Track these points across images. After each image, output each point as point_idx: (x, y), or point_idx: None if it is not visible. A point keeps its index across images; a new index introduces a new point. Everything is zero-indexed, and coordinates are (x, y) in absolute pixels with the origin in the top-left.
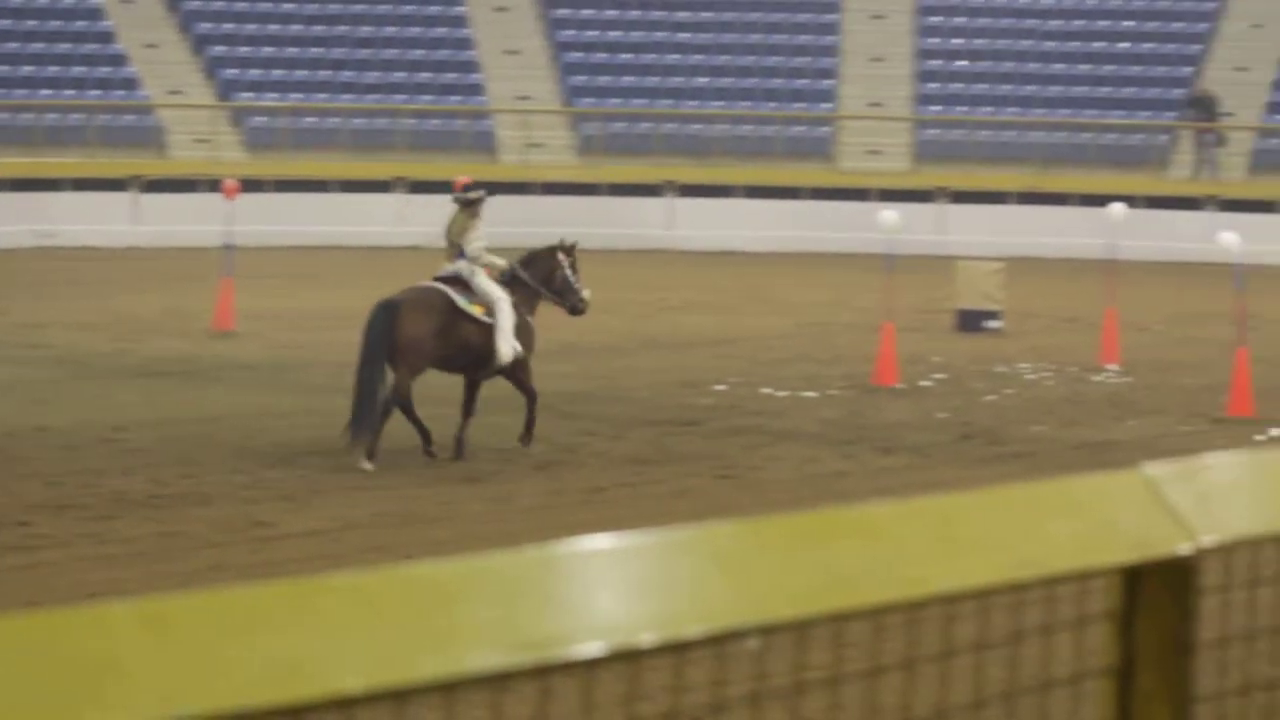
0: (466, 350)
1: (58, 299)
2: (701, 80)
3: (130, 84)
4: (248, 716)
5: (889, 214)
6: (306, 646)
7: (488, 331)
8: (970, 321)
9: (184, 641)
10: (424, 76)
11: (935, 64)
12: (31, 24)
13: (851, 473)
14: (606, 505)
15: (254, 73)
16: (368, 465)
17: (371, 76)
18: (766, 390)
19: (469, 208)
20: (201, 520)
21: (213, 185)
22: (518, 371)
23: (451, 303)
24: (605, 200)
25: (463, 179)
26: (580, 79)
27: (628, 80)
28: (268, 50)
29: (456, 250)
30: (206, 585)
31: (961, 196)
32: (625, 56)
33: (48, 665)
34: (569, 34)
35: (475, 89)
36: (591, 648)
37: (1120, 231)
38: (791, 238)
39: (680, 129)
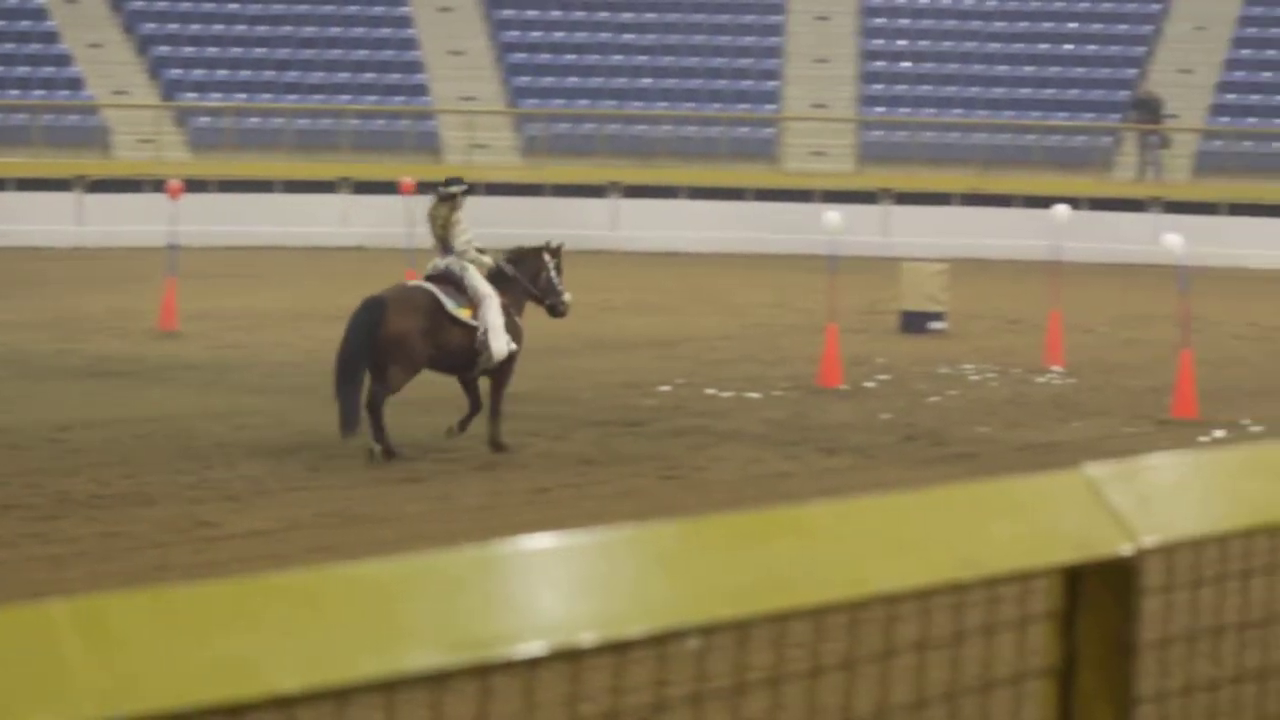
0: (451, 353)
1: (1, 299)
2: (646, 81)
3: (74, 84)
4: (187, 716)
5: (833, 215)
6: (246, 646)
7: (472, 334)
8: (914, 323)
9: (124, 641)
10: (368, 77)
11: (879, 65)
12: None
13: (795, 473)
14: (550, 506)
15: (198, 73)
16: (377, 448)
17: (316, 77)
18: (711, 391)
19: (448, 201)
20: (145, 520)
21: (157, 185)
22: (500, 372)
23: (439, 304)
24: (549, 201)
25: (407, 180)
26: (524, 80)
27: (572, 81)
28: (212, 50)
29: (444, 244)
30: (150, 585)
31: (905, 198)
32: (569, 57)
33: None
34: (513, 35)
35: (419, 90)
36: (532, 647)
37: (1064, 233)
38: (736, 239)
39: (624, 130)
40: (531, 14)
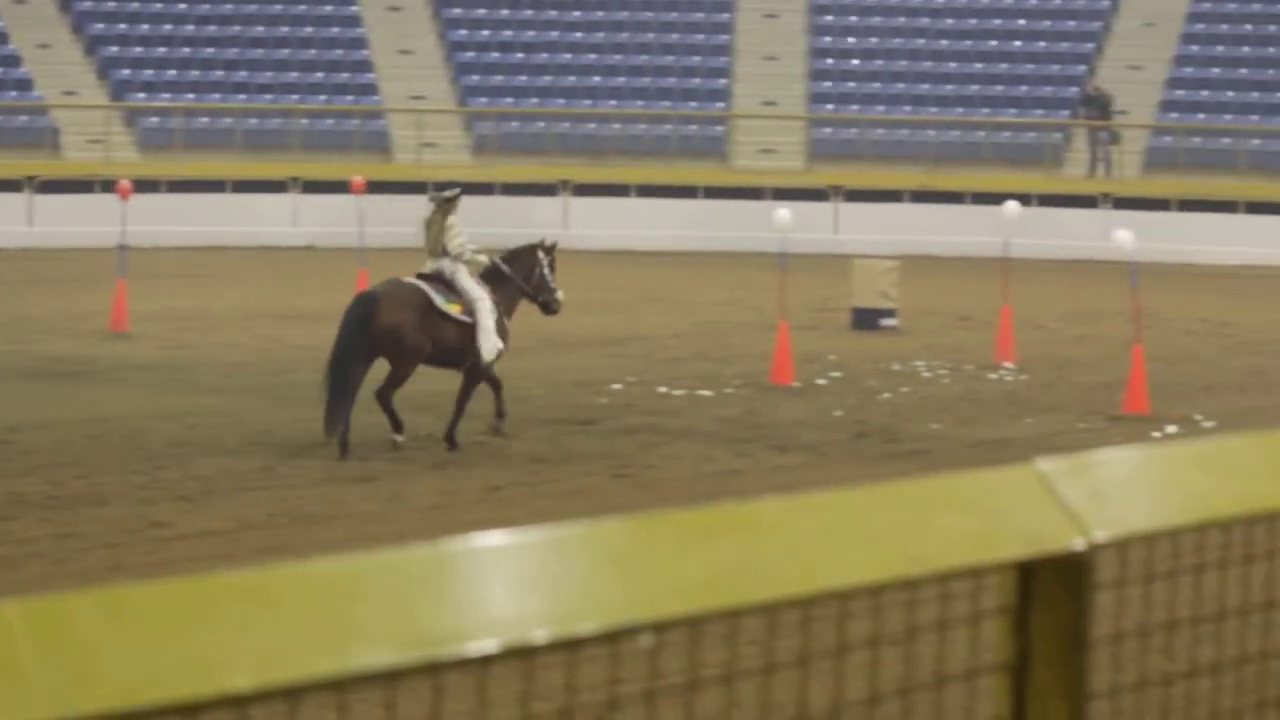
0: (445, 348)
1: None
2: (595, 79)
3: (23, 85)
4: (141, 715)
5: (783, 213)
6: (199, 645)
7: (465, 330)
8: (866, 320)
9: (77, 641)
10: (317, 76)
11: (828, 63)
12: None
13: (747, 471)
14: (502, 504)
15: (147, 73)
16: (399, 438)
17: (265, 76)
18: (662, 389)
19: (444, 206)
20: (98, 521)
21: (107, 186)
22: (476, 372)
23: (428, 300)
24: (499, 200)
25: (357, 179)
26: (474, 78)
27: (521, 80)
28: (161, 51)
29: (438, 249)
30: (103, 585)
31: (855, 195)
32: (519, 56)
33: None
34: (462, 33)
35: (369, 89)
36: (485, 645)
37: (1015, 229)
38: (686, 237)
39: (574, 128)
40: (480, 13)
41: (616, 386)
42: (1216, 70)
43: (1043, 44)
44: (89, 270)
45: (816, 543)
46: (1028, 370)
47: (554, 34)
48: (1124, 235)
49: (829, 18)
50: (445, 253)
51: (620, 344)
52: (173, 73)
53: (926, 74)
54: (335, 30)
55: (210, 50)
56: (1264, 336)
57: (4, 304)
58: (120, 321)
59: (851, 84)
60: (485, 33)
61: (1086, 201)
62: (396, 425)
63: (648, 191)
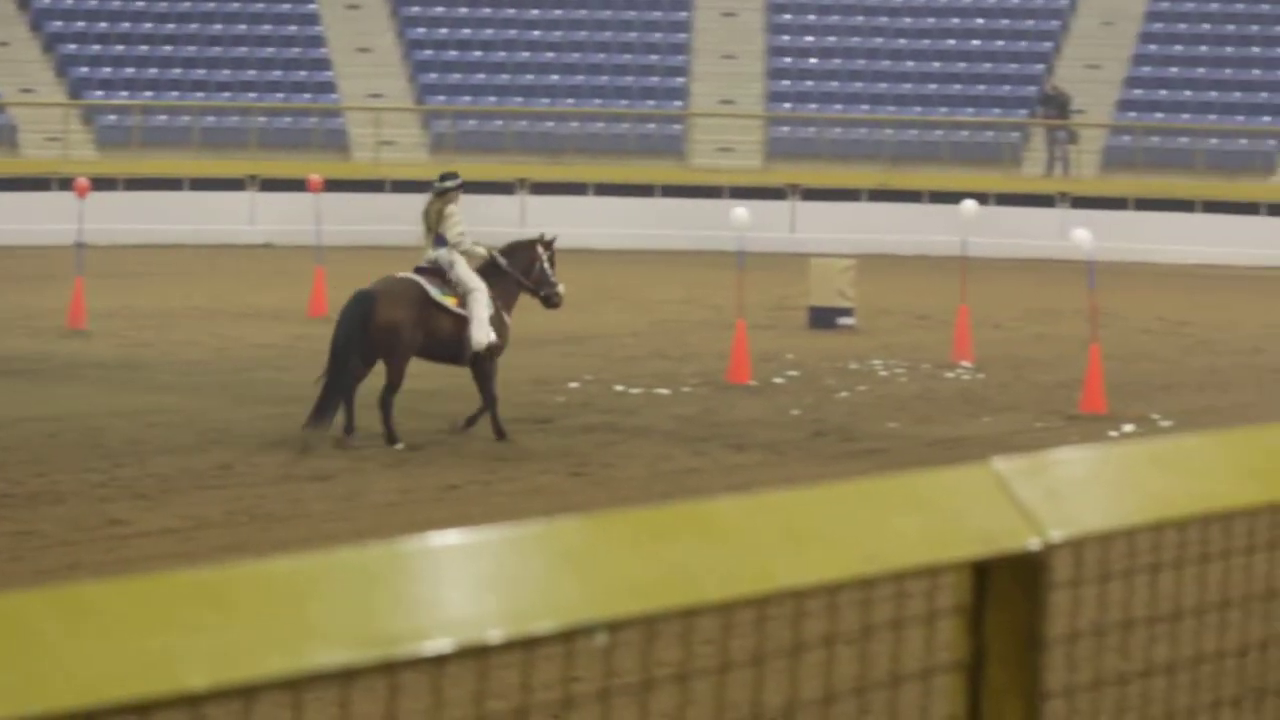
0: (441, 341)
1: None
2: (553, 78)
3: None
4: (95, 714)
5: (740, 211)
6: (154, 644)
7: (461, 322)
8: (823, 319)
9: (32, 640)
10: (275, 74)
11: (786, 61)
12: None
13: (704, 470)
14: (459, 503)
15: (105, 71)
16: (399, 445)
17: (223, 74)
18: (620, 388)
19: (443, 196)
20: (55, 519)
21: (64, 184)
22: (486, 364)
23: (425, 294)
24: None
25: (315, 177)
26: (431, 76)
27: (479, 78)
28: (119, 48)
29: (436, 238)
30: (60, 583)
31: (813, 194)
32: (476, 54)
33: None
34: (420, 32)
35: (326, 87)
36: (440, 644)
37: (972, 228)
38: (644, 235)
39: (532, 126)
40: (438, 11)
41: (574, 385)
42: (1174, 70)
43: (1001, 43)
44: (46, 268)
45: (772, 542)
46: (985, 369)
47: (512, 32)
48: (1081, 234)
49: (787, 16)
50: (443, 241)
51: (577, 342)
52: (130, 70)
53: (884, 73)
54: (293, 28)
55: (168, 48)
56: (1221, 336)
57: None
58: (78, 319)
59: (809, 83)
60: (443, 31)
61: (1044, 201)
62: (391, 436)
63: (605, 190)
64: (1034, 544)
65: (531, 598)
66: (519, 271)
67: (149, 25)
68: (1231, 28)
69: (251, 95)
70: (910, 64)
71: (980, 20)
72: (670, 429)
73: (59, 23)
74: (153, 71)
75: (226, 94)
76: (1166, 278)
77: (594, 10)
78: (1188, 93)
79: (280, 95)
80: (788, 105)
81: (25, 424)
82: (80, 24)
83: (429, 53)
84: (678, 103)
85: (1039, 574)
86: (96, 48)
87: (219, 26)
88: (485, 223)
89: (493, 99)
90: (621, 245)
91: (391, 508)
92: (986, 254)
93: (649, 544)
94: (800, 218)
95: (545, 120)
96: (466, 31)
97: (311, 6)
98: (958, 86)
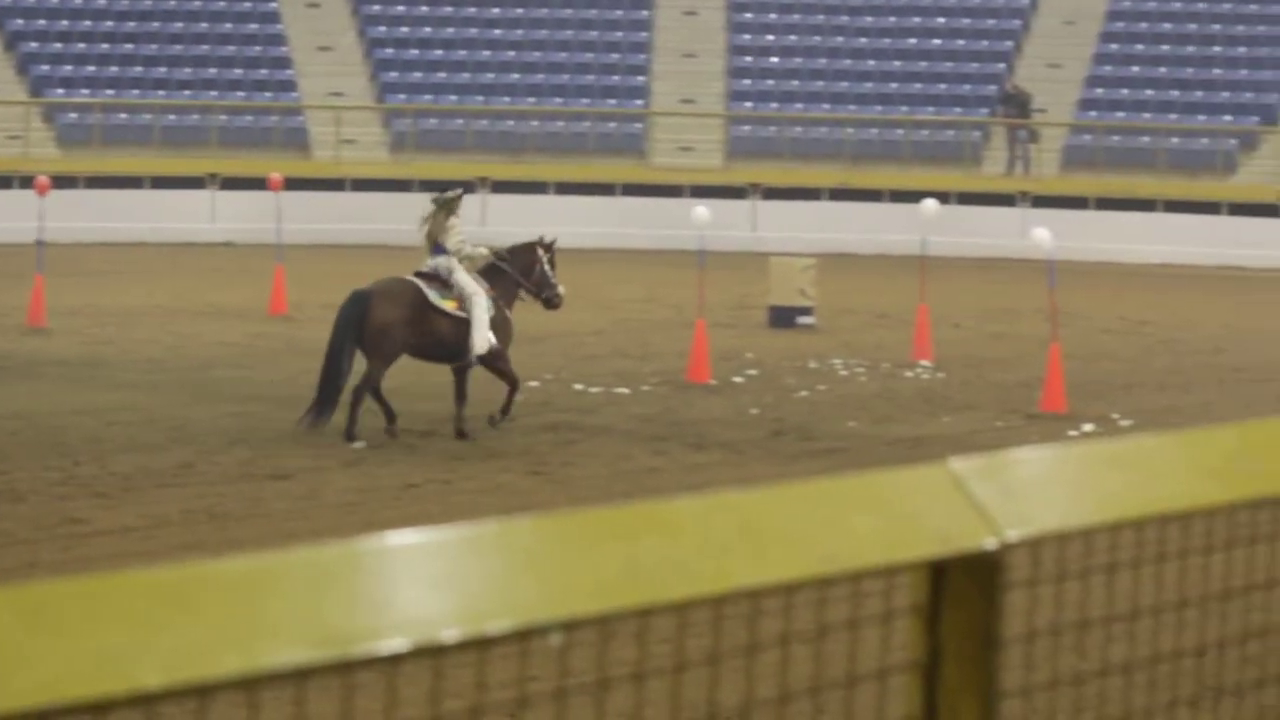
0: (438, 342)
1: None
2: (514, 76)
3: None
4: (50, 713)
5: (701, 210)
6: (110, 643)
7: (460, 325)
8: (783, 318)
9: None
10: (236, 73)
11: (747, 60)
12: None
13: (664, 469)
14: (417, 501)
15: (66, 69)
16: (360, 444)
17: (184, 73)
18: (579, 387)
19: (446, 207)
20: (14, 517)
21: (25, 182)
22: (496, 362)
23: (423, 296)
24: (418, 196)
25: (275, 175)
26: (392, 75)
27: (440, 76)
28: (80, 47)
29: (435, 246)
30: (17, 582)
31: (774, 193)
32: (437, 53)
33: None
34: (381, 30)
35: (287, 85)
36: (396, 643)
37: (933, 228)
38: (604, 234)
39: (493, 125)
40: (399, 9)
41: (534, 384)
42: (1136, 69)
43: (962, 42)
44: (7, 266)
45: (729, 541)
46: (945, 368)
47: (473, 31)
48: (1042, 233)
49: (748, 15)
50: (441, 250)
51: (537, 341)
52: (91, 69)
53: (845, 72)
54: (254, 27)
55: (129, 46)
56: (1182, 335)
57: None
58: (38, 317)
59: (770, 82)
60: (404, 29)
61: (1005, 200)
62: (351, 433)
63: (566, 189)
64: (990, 544)
65: (488, 597)
66: (519, 273)
67: (110, 23)
68: (1193, 27)
69: (212, 94)
70: (871, 63)
71: (941, 19)
72: (630, 428)
73: (20, 21)
74: (114, 70)
75: (187, 92)
76: (1127, 277)
77: (555, 9)
78: (1149, 92)
79: (241, 94)
80: (749, 104)
81: None
82: (41, 22)
83: (390, 51)
84: (639, 101)
85: (995, 574)
86: (58, 46)
87: (180, 25)
88: None
89: (454, 98)
90: (582, 244)
91: (350, 507)
92: (947, 253)
93: (605, 543)
94: (761, 217)
95: (506, 119)
96: (427, 30)
97: (272, 5)
98: (919, 85)
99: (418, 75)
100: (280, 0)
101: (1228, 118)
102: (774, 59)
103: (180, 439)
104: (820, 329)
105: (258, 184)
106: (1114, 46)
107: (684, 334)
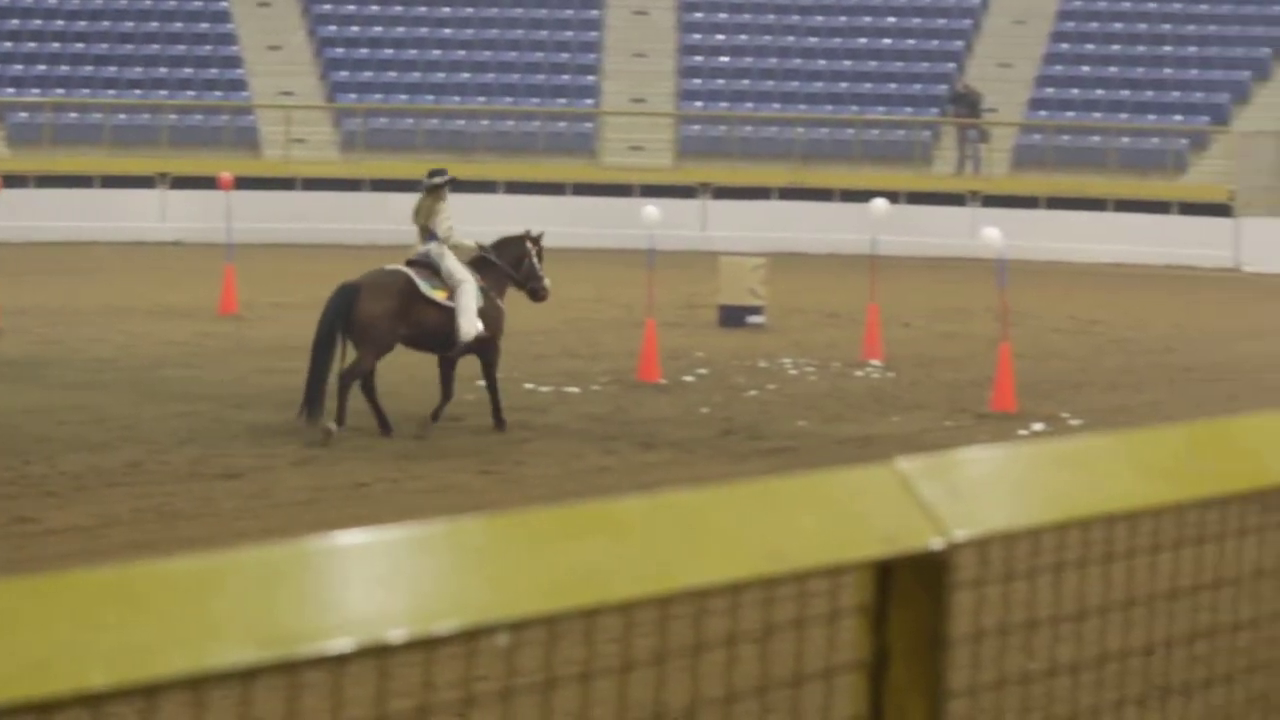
0: (428, 332)
1: None
2: (464, 76)
3: None
4: None
5: (651, 210)
6: (54, 642)
7: (449, 314)
8: (733, 317)
9: None
10: (186, 72)
11: (697, 60)
12: None
13: (614, 468)
14: (367, 501)
15: (16, 68)
16: (333, 427)
17: (134, 72)
18: (530, 386)
19: (434, 192)
20: None
21: None
22: (487, 353)
23: (413, 286)
24: (368, 196)
25: (225, 175)
26: (343, 74)
27: (390, 76)
28: (30, 46)
29: (426, 233)
30: None
31: (724, 192)
32: (388, 52)
33: None
34: (331, 29)
35: (238, 84)
36: (343, 643)
37: (883, 227)
38: (554, 233)
39: (443, 125)
40: (350, 9)
41: (483, 383)
42: (1086, 68)
43: (912, 42)
44: None
45: (675, 541)
46: (895, 368)
47: (423, 30)
48: (992, 233)
49: (698, 15)
50: (433, 236)
51: None
52: (42, 68)
53: (796, 71)
54: (204, 25)
55: (79, 45)
56: (1132, 335)
57: None
58: None
59: (720, 81)
60: (354, 29)
61: (955, 199)
62: (340, 417)
63: (516, 188)
64: (937, 543)
65: (435, 597)
66: (509, 265)
67: (60, 23)
68: (1144, 27)
69: (162, 93)
70: (822, 62)
71: (892, 19)
72: (580, 427)
73: None
74: (64, 69)
75: (138, 91)
76: (1078, 276)
77: (505, 9)
78: (1099, 91)
79: (191, 93)
80: (699, 104)
81: None
82: None
83: (340, 50)
84: (589, 101)
85: (942, 573)
86: (8, 45)
87: (130, 24)
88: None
89: (404, 97)
90: None
91: (301, 506)
92: (897, 252)
93: (552, 543)
94: (711, 216)
95: (456, 118)
96: (377, 29)
97: (223, 4)
98: (869, 85)
99: (368, 74)
100: None
101: (1178, 117)
102: (724, 58)
103: (130, 438)
104: (770, 328)
105: (208, 183)
106: (1064, 46)
107: (634, 333)
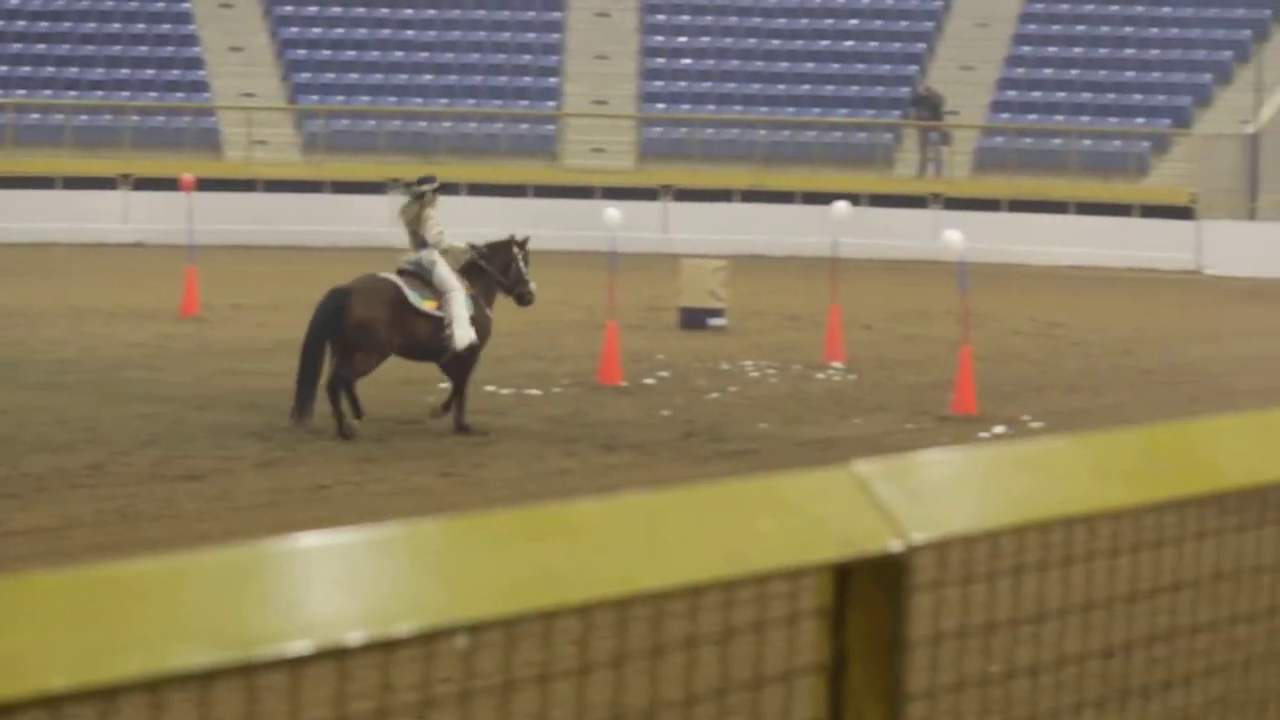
0: (419, 343)
1: None
2: (426, 78)
3: None
4: None
5: (612, 212)
6: (13, 644)
7: (439, 324)
8: (694, 319)
9: None
10: (148, 73)
11: (659, 62)
12: None
13: (575, 470)
14: (328, 504)
15: None
16: (354, 423)
17: (96, 73)
18: (491, 388)
19: (421, 199)
20: None
21: None
22: (468, 359)
23: (402, 296)
24: (329, 198)
25: (187, 176)
26: (304, 76)
27: (352, 77)
28: None
29: (417, 239)
30: None
31: (685, 194)
32: (349, 54)
33: None
34: (293, 31)
35: (199, 86)
36: (301, 645)
37: (844, 229)
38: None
39: (405, 127)
40: (311, 10)
41: (444, 385)
42: (1048, 71)
43: (874, 44)
44: None
45: (635, 543)
46: (856, 370)
47: (385, 32)
48: (953, 235)
49: (660, 17)
50: (423, 243)
51: None
52: (3, 68)
53: (758, 73)
54: (166, 27)
55: (41, 46)
56: (1094, 338)
57: None
58: None
59: (682, 83)
60: (316, 30)
61: (916, 202)
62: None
63: (478, 190)
64: (895, 546)
65: (394, 600)
66: (497, 270)
67: (22, 23)
68: (1106, 29)
69: (124, 94)
70: (784, 64)
71: (854, 21)
72: (541, 430)
73: None
74: (25, 70)
75: (99, 93)
76: (1039, 279)
77: (467, 10)
78: (1061, 94)
79: (153, 94)
80: (660, 106)
81: None
82: None
83: (302, 52)
84: (550, 103)
85: (900, 576)
86: None
87: (92, 25)
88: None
89: (366, 99)
90: None
91: (262, 508)
92: (858, 255)
93: (511, 546)
94: (672, 218)
95: (418, 120)
96: (339, 31)
97: (185, 5)
98: (831, 87)
99: (330, 76)
100: (193, 1)
101: (1140, 120)
102: (686, 60)
103: (92, 440)
104: (731, 330)
105: (169, 184)
106: (1026, 49)
107: (595, 335)
